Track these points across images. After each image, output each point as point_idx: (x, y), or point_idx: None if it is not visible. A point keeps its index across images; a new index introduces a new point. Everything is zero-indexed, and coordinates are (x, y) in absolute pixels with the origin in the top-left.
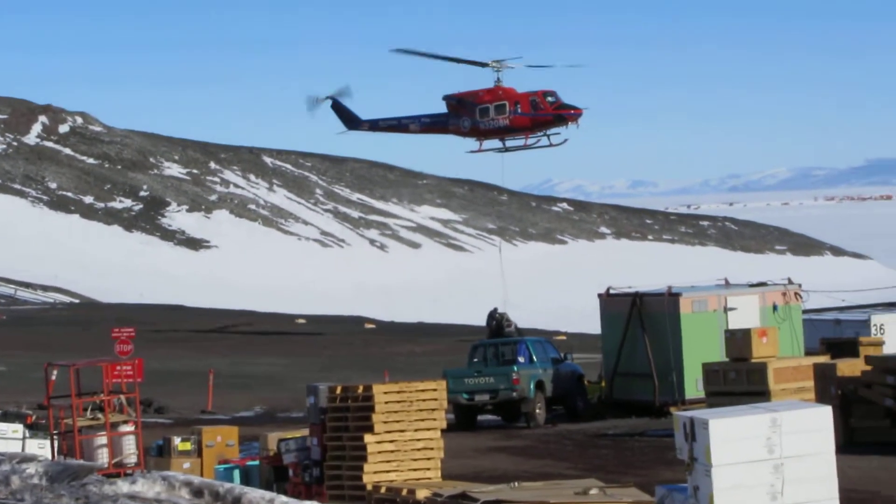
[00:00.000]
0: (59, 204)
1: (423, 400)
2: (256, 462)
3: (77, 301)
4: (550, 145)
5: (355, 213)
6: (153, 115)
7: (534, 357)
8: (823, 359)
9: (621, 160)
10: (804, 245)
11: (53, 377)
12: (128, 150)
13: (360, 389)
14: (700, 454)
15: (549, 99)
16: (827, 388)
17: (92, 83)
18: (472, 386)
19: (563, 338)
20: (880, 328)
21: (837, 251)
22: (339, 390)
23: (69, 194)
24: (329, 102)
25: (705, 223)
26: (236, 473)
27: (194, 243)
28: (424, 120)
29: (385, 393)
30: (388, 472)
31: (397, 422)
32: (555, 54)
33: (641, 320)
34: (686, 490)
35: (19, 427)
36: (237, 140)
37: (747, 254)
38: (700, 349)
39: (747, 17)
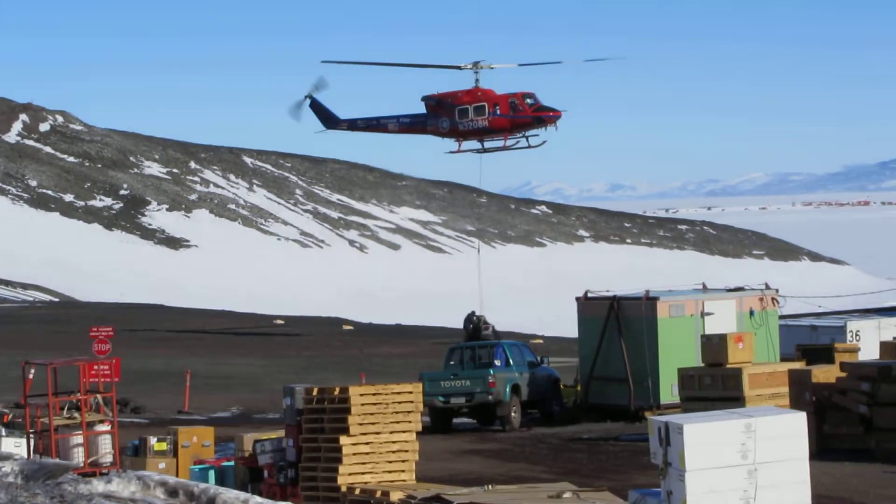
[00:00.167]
0: (39, 202)
1: (399, 402)
2: (232, 463)
3: (56, 300)
4: (529, 147)
5: (335, 214)
6: (134, 114)
7: (510, 360)
8: (799, 365)
9: (600, 163)
10: (782, 250)
11: (31, 376)
12: (108, 149)
13: (337, 391)
14: (674, 459)
15: (528, 101)
16: (801, 394)
17: (73, 82)
18: (449, 389)
19: (540, 341)
20: (856, 335)
21: (815, 256)
22: (315, 392)
23: (49, 192)
24: (308, 101)
25: (683, 227)
26: (211, 474)
27: (174, 242)
28: (403, 120)
29: (361, 395)
30: (362, 473)
31: (373, 424)
32: (534, 55)
33: (618, 324)
34: (659, 494)
35: None
36: (217, 140)
37: (725, 258)
38: (676, 354)
39: (726, 24)
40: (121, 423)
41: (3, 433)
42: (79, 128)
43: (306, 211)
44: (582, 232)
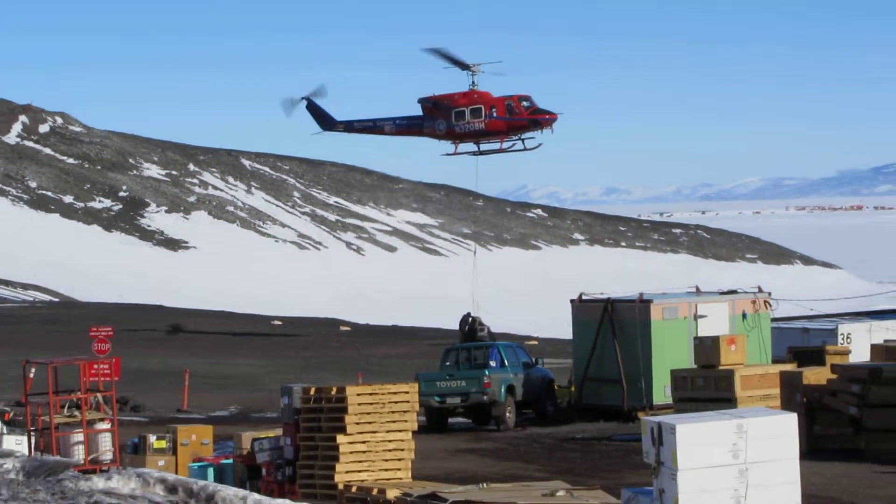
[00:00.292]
0: (39, 203)
1: (396, 402)
2: (230, 461)
3: (56, 300)
4: (525, 149)
5: (332, 216)
6: (133, 116)
7: (505, 361)
8: (790, 367)
9: (595, 167)
10: (775, 254)
11: (31, 375)
12: (107, 151)
13: (334, 391)
14: (667, 458)
15: (525, 104)
16: (793, 395)
17: (72, 84)
18: (444, 389)
19: (535, 342)
20: (847, 337)
21: (807, 260)
22: (312, 391)
23: (49, 194)
24: (304, 103)
25: (678, 231)
26: (210, 471)
27: (173, 244)
28: (400, 122)
29: (358, 395)
30: (359, 472)
31: (369, 423)
32: (531, 63)
33: (612, 326)
34: (651, 493)
35: None
36: (216, 142)
37: (719, 262)
38: (669, 356)
39: (721, 29)
40: (120, 421)
41: (5, 431)
42: (78, 129)
43: (304, 213)
44: (577, 235)
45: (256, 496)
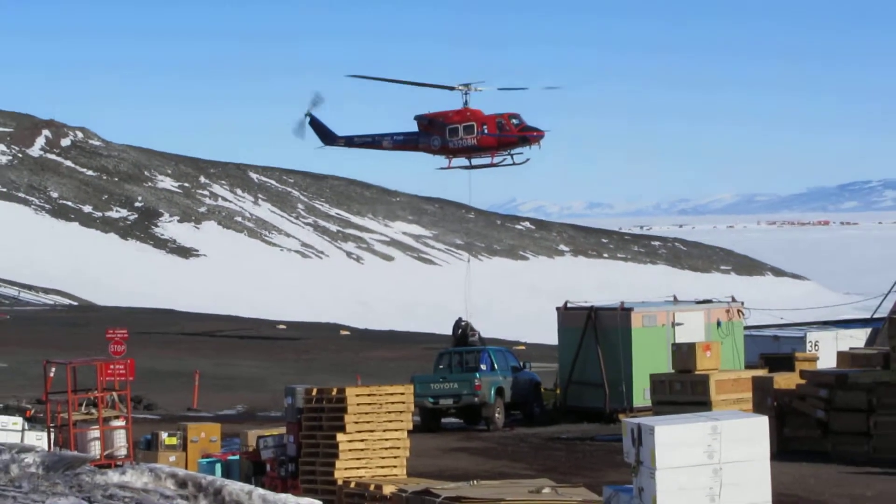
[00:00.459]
0: (60, 212)
1: (392, 403)
2: (237, 457)
3: (75, 303)
4: (514, 164)
5: (334, 227)
6: (149, 131)
7: (495, 365)
8: (762, 372)
9: (579, 183)
10: (747, 266)
11: (52, 374)
12: (124, 164)
13: (334, 392)
14: (646, 458)
15: (514, 121)
16: (764, 399)
17: (92, 100)
18: (438, 391)
19: (523, 347)
20: (815, 344)
21: (778, 272)
22: (314, 392)
23: (69, 203)
24: (308, 119)
25: (656, 243)
26: (218, 467)
27: (185, 252)
28: (397, 137)
29: (357, 395)
30: (357, 468)
31: (367, 422)
32: (519, 81)
33: (595, 333)
34: (631, 491)
35: (19, 420)
36: (225, 156)
37: (695, 273)
38: (649, 361)
39: (692, 55)
40: (134, 418)
41: (26, 427)
42: (97, 143)
43: (307, 224)
44: (562, 247)
45: (261, 491)
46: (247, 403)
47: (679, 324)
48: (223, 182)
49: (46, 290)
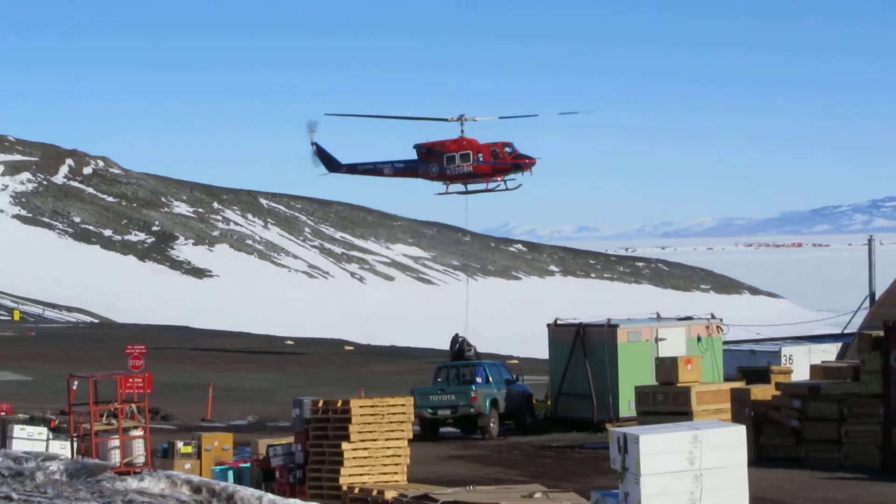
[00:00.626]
0: (82, 236)
1: (394, 413)
2: (248, 464)
3: (96, 321)
4: (507, 189)
5: (338, 250)
6: (165, 160)
7: (490, 378)
8: (740, 384)
9: (569, 208)
10: (726, 285)
11: (74, 387)
12: (142, 191)
13: (339, 403)
14: (631, 465)
15: (507, 149)
16: (742, 409)
17: (113, 130)
18: (436, 402)
19: (516, 361)
20: (789, 358)
21: (754, 291)
22: (321, 403)
23: (91, 228)
24: (314, 148)
25: (640, 264)
26: (230, 474)
27: (199, 273)
28: (397, 165)
29: (360, 407)
30: (361, 475)
31: (370, 432)
32: (512, 103)
33: (584, 348)
34: (617, 496)
35: (44, 430)
36: (237, 184)
37: (677, 291)
38: (634, 374)
39: (673, 83)
40: (152, 428)
41: (51, 437)
42: (117, 171)
43: (313, 246)
44: (553, 267)
45: (271, 496)
46: (257, 414)
47: (662, 339)
48: (235, 207)
49: (69, 309)
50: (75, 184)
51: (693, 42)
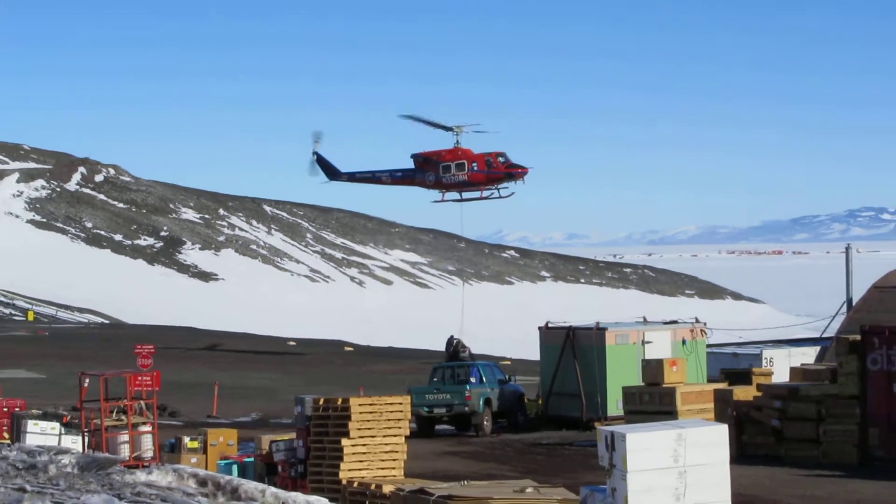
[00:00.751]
0: (93, 241)
1: (391, 411)
2: (251, 459)
3: (107, 322)
4: (500, 197)
5: (339, 255)
6: (173, 167)
7: (483, 378)
8: (722, 385)
9: (559, 215)
10: (709, 290)
11: (86, 384)
12: (152, 197)
13: (339, 401)
14: (618, 461)
15: (501, 159)
16: (724, 409)
17: (124, 140)
18: (432, 401)
19: (509, 362)
20: (770, 361)
21: (737, 296)
22: (321, 401)
23: (102, 233)
24: (315, 157)
25: (628, 270)
26: (235, 468)
27: (205, 276)
28: (396, 174)
29: (360, 405)
30: (360, 470)
31: (369, 429)
32: (501, 123)
33: (573, 350)
34: (605, 491)
35: (56, 425)
36: (242, 191)
37: (662, 296)
38: (621, 375)
39: (661, 95)
40: (160, 424)
41: (63, 432)
42: (127, 179)
43: (315, 252)
44: (544, 273)
45: (273, 489)
46: (261, 411)
47: (648, 342)
48: (240, 214)
49: (81, 310)
50: (87, 190)
51: (679, 54)
